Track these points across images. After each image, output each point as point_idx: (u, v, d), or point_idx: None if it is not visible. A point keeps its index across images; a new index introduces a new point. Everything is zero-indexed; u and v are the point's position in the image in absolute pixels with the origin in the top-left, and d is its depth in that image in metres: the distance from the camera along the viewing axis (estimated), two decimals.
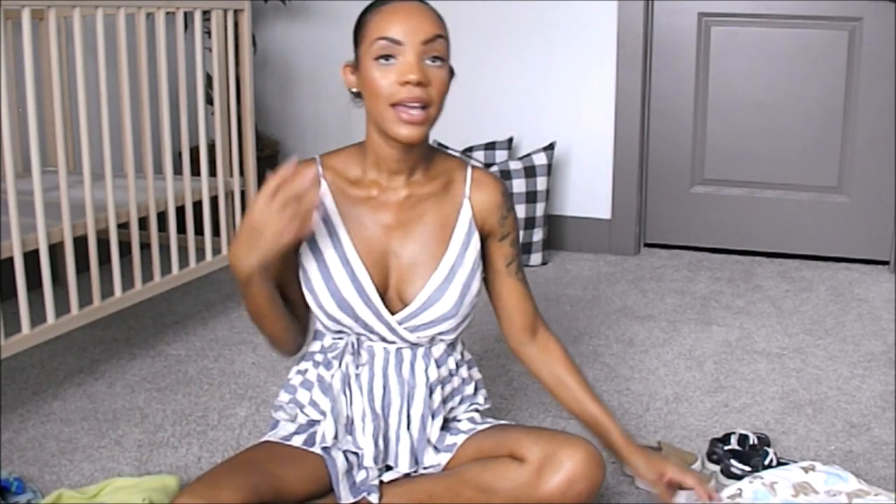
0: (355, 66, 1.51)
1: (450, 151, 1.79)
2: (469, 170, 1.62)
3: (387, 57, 1.44)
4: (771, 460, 1.81)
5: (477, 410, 1.72)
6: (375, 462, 1.57)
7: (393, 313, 1.56)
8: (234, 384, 2.31)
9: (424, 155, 1.57)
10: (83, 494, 1.72)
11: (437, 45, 1.45)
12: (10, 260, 2.02)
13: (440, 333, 1.58)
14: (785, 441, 2.02)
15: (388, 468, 1.63)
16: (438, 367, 1.61)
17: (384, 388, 1.58)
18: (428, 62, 1.44)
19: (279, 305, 1.55)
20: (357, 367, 1.58)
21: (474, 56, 3.48)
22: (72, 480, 1.85)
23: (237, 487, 1.40)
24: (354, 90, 1.53)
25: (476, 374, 1.72)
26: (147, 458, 1.94)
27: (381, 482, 1.60)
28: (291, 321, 1.59)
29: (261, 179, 2.73)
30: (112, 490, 1.73)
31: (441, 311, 1.55)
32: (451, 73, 1.52)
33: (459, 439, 1.62)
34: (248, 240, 1.42)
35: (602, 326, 2.71)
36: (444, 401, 1.64)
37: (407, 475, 1.62)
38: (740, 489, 1.66)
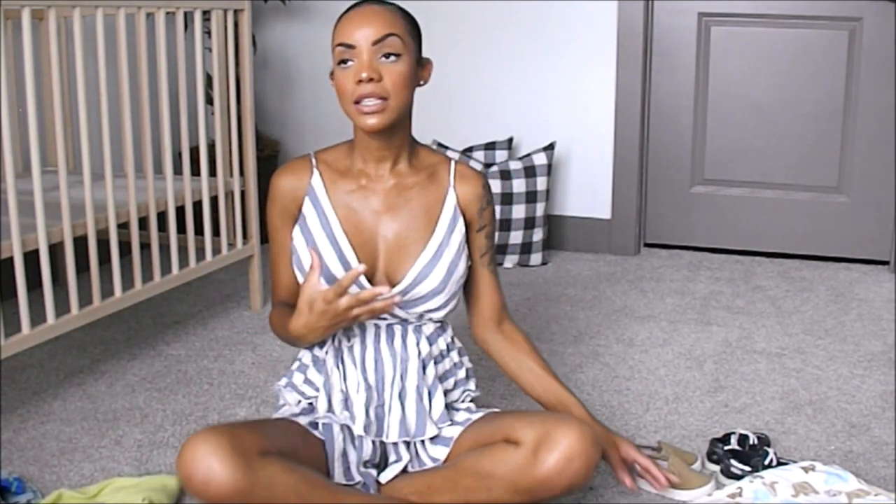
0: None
1: (433, 148, 1.85)
2: (452, 164, 1.72)
3: (345, 61, 1.56)
4: (771, 460, 1.81)
5: (471, 399, 1.76)
6: (366, 431, 1.59)
7: None
8: (234, 384, 2.31)
9: (407, 145, 1.66)
10: (83, 494, 1.72)
11: (389, 42, 1.55)
12: (10, 260, 2.02)
13: (428, 311, 1.64)
14: (785, 441, 2.02)
15: (385, 466, 1.64)
16: (430, 344, 1.66)
17: (376, 361, 1.63)
18: (382, 60, 1.55)
19: None
20: (349, 340, 1.64)
21: (474, 56, 3.48)
22: (72, 480, 1.85)
23: (258, 438, 1.45)
24: None
25: (467, 363, 1.76)
26: (147, 458, 1.94)
27: (379, 483, 1.61)
28: None
29: (261, 179, 2.74)
30: (112, 490, 1.73)
31: (429, 287, 1.62)
32: (422, 63, 1.63)
33: (456, 431, 1.64)
34: (317, 324, 1.53)
35: (602, 326, 2.71)
36: (440, 379, 1.67)
37: (404, 471, 1.63)
38: (740, 489, 1.66)
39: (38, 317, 2.10)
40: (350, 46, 1.55)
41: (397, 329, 1.65)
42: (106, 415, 2.14)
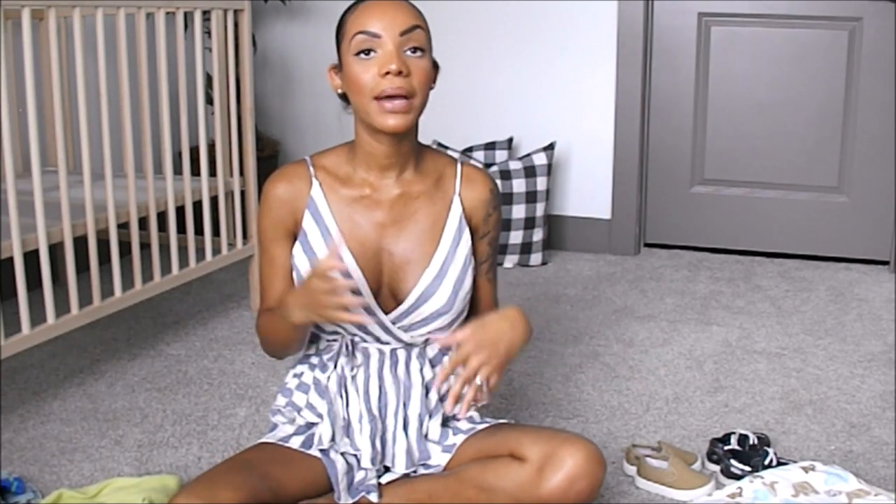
0: (339, 67, 1.53)
1: (439, 149, 1.78)
2: (459, 166, 1.63)
3: (367, 51, 1.46)
4: (771, 460, 1.81)
5: (476, 408, 1.72)
6: (373, 463, 1.57)
7: (387, 312, 1.57)
8: (234, 384, 2.31)
9: (414, 151, 1.57)
10: (83, 494, 1.72)
11: (416, 35, 1.47)
12: (10, 260, 2.02)
13: (435, 331, 1.59)
14: (785, 441, 2.02)
15: (387, 469, 1.63)
16: (433, 367, 1.62)
17: (380, 389, 1.59)
18: (408, 53, 1.47)
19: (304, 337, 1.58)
20: (352, 369, 1.59)
21: (474, 56, 3.48)
22: (72, 480, 1.85)
23: (235, 488, 1.41)
24: (340, 91, 1.55)
25: None
26: (147, 458, 1.94)
27: (380, 484, 1.60)
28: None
29: (261, 179, 2.73)
30: (112, 490, 1.73)
31: (434, 306, 1.57)
32: (435, 66, 1.54)
33: (459, 439, 1.62)
34: (300, 300, 1.45)
35: (602, 326, 2.71)
36: (441, 399, 1.64)
37: (406, 475, 1.62)
38: (740, 489, 1.66)
39: (38, 317, 2.10)
40: (375, 35, 1.45)
41: (401, 354, 1.60)
42: (106, 415, 2.14)
